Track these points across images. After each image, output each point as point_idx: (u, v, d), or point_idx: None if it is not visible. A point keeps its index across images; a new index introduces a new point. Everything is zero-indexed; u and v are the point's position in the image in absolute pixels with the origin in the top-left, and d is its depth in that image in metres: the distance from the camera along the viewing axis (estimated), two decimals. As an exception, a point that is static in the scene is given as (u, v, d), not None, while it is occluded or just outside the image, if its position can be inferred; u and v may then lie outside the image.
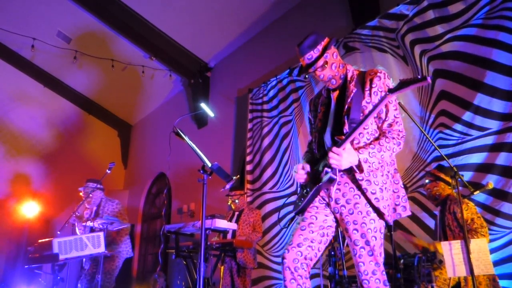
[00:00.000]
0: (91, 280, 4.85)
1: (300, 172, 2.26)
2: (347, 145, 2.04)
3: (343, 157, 2.01)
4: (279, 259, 5.63)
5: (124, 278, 8.78)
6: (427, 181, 3.66)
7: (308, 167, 2.27)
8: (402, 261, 3.19)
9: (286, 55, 6.26)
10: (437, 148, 3.23)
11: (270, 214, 5.91)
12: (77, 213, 4.92)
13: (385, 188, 2.12)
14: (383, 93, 2.16)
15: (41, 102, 9.60)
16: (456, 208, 3.38)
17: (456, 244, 2.84)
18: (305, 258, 2.11)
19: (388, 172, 2.18)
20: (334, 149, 2.03)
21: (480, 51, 3.98)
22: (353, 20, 5.41)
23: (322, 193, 2.21)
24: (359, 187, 2.11)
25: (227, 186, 2.77)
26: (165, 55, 8.06)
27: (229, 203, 5.23)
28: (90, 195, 4.90)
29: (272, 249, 5.77)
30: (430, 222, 4.05)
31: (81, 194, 5.03)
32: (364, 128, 2.14)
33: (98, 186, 4.97)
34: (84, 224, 4.79)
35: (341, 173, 2.14)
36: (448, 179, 3.47)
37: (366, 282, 2.02)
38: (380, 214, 2.09)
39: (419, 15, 4.52)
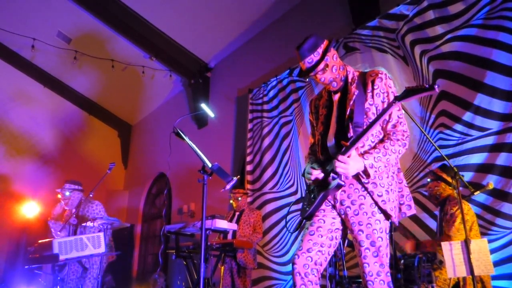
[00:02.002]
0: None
1: (314, 173, 2.18)
2: (353, 152, 2.02)
3: (350, 165, 2.01)
4: (279, 260, 5.63)
5: (124, 278, 8.79)
6: (428, 180, 3.63)
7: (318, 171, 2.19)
8: (402, 261, 3.19)
9: (286, 55, 6.25)
10: (438, 148, 3.23)
11: (270, 214, 5.90)
12: (54, 214, 4.80)
13: (391, 189, 2.12)
14: (385, 94, 2.16)
15: (41, 102, 9.59)
16: (447, 209, 3.37)
17: (457, 245, 2.83)
18: (315, 264, 2.08)
19: (393, 173, 2.18)
20: (340, 157, 2.01)
21: (480, 52, 3.97)
22: (353, 20, 5.41)
23: None
24: (364, 188, 2.10)
25: (228, 187, 2.76)
26: (165, 55, 8.05)
27: (231, 201, 5.24)
28: (68, 196, 4.73)
29: (272, 250, 5.76)
30: (430, 223, 4.04)
31: (59, 196, 4.84)
32: None
33: (77, 187, 4.83)
34: (84, 224, 4.67)
35: None
36: (449, 179, 3.46)
37: (371, 283, 2.02)
38: (387, 216, 2.09)
39: (419, 15, 4.52)
